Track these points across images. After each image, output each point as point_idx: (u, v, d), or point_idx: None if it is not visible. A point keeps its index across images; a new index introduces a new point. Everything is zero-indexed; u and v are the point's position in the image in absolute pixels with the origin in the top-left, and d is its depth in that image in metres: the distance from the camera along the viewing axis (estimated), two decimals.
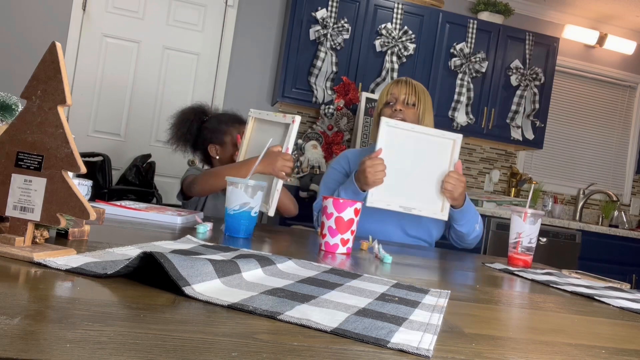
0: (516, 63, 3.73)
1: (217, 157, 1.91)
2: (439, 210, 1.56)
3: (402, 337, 0.49)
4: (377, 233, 1.59)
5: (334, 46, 3.37)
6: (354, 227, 1.15)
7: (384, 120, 1.53)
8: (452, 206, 1.60)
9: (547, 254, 3.37)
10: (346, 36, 3.39)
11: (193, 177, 1.76)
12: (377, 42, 3.46)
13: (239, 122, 1.92)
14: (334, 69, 3.36)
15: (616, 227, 4.07)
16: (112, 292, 0.52)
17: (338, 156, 1.89)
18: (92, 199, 1.62)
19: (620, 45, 4.34)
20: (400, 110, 1.71)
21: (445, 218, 1.56)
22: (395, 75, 3.46)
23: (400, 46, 3.48)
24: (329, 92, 3.36)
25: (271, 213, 1.42)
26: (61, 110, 0.62)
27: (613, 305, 0.90)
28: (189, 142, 1.93)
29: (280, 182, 1.45)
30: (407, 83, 1.76)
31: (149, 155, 3.21)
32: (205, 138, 1.91)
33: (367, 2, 3.46)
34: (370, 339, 0.47)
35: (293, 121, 1.45)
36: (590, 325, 0.71)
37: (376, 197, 1.52)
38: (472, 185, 4.10)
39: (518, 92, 3.74)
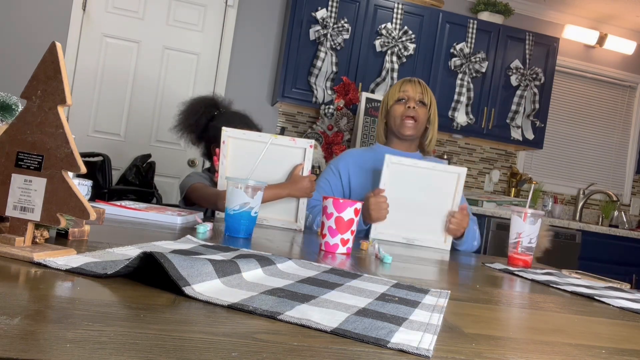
0: (516, 63, 3.73)
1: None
2: (441, 242, 1.62)
3: (402, 337, 0.49)
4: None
5: (334, 46, 3.37)
6: (354, 227, 1.15)
7: (387, 157, 1.58)
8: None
9: (547, 254, 3.37)
10: (346, 36, 3.39)
11: (200, 185, 1.72)
12: (377, 42, 3.46)
13: (247, 124, 1.90)
14: (334, 69, 3.36)
15: (616, 227, 4.07)
16: (112, 292, 0.52)
17: (338, 157, 1.87)
18: (92, 199, 1.62)
19: (620, 45, 4.34)
20: (414, 107, 1.74)
21: (448, 249, 1.62)
22: (395, 75, 3.46)
23: (400, 46, 3.48)
24: (329, 92, 3.36)
25: (302, 227, 1.57)
26: (61, 110, 0.62)
27: (613, 305, 0.90)
28: (195, 133, 1.95)
29: (306, 200, 1.59)
30: (420, 83, 1.79)
31: (149, 155, 3.21)
32: (211, 136, 1.90)
33: (367, 2, 3.46)
34: (370, 339, 0.47)
35: (310, 146, 1.56)
36: (590, 325, 0.71)
37: (379, 230, 1.60)
38: (472, 185, 4.09)
39: (518, 92, 3.74)
